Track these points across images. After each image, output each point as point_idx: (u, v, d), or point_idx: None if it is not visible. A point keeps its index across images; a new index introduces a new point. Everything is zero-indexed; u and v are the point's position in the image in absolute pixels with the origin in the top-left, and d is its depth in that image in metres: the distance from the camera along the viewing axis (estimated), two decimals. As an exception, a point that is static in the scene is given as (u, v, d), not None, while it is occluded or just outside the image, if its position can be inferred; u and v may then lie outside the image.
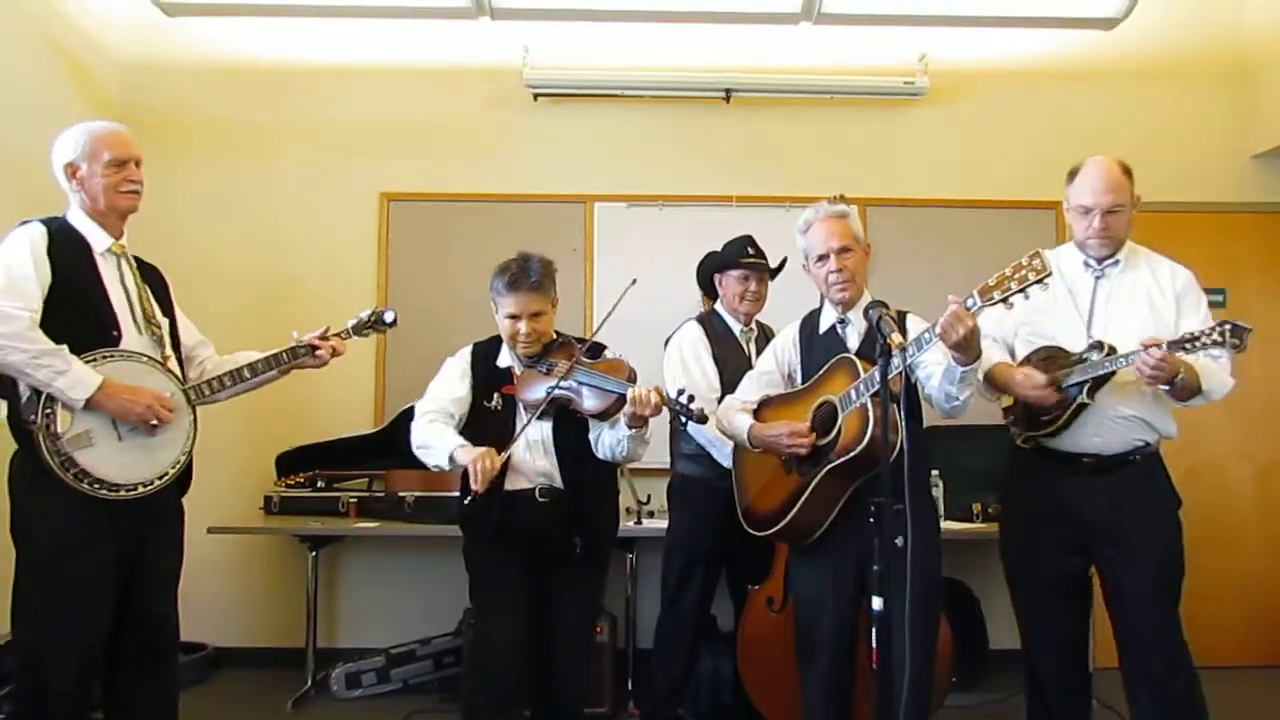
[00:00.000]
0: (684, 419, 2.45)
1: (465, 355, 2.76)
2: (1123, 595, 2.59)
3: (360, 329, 2.86)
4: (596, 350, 2.69)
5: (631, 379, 2.52)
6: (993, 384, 2.67)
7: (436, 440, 2.56)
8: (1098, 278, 2.66)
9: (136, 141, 2.59)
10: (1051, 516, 2.64)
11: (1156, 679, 2.54)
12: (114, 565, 2.41)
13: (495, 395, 2.67)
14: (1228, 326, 2.28)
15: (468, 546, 2.73)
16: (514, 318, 2.61)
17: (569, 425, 2.63)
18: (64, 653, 2.34)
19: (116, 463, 2.39)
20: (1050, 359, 2.59)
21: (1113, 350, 2.47)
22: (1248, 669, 4.20)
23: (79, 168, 2.50)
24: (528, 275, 2.60)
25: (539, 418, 2.58)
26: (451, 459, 2.50)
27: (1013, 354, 2.72)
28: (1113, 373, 2.46)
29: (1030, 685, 2.80)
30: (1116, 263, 2.65)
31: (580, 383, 2.55)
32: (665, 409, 2.46)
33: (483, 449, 2.46)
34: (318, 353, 2.74)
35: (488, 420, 2.64)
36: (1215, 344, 2.30)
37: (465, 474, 2.48)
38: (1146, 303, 2.60)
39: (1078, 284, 2.67)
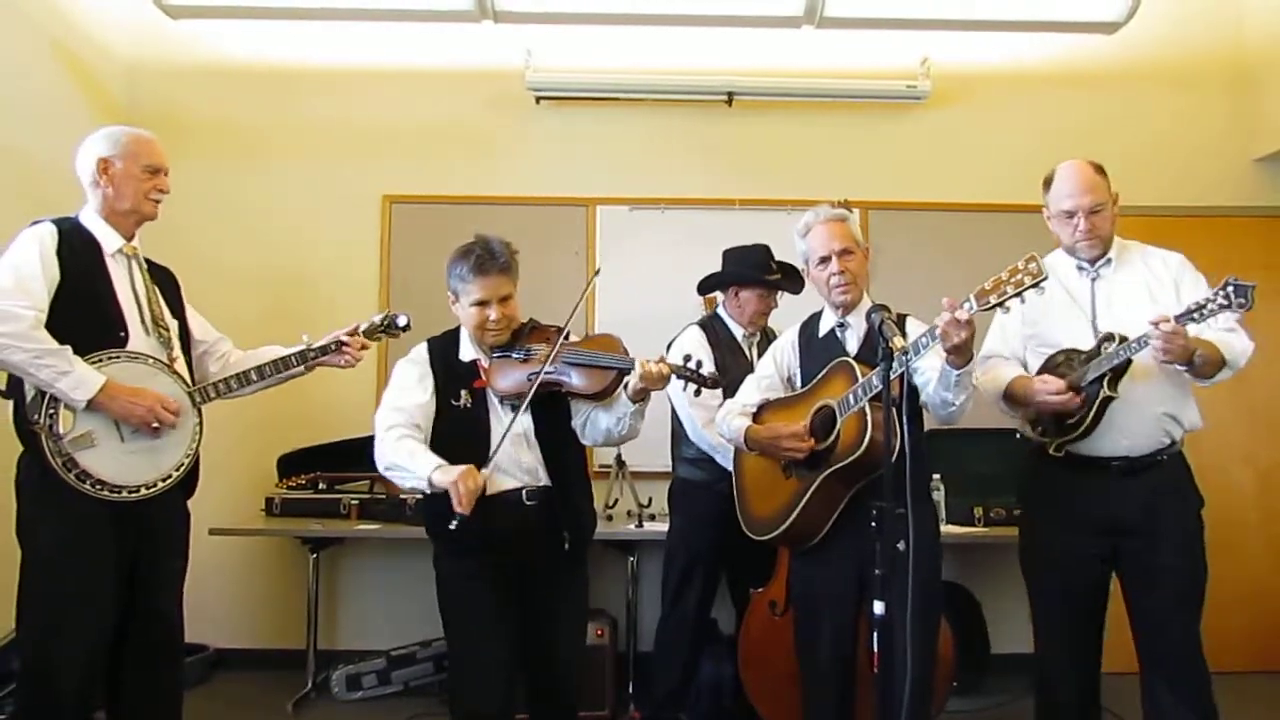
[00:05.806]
0: (697, 385, 2.35)
1: (420, 355, 2.52)
2: (1149, 600, 2.53)
3: (372, 333, 2.82)
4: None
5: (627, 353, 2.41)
6: (1014, 399, 2.63)
7: (409, 461, 2.32)
8: (1093, 279, 2.63)
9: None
10: (1080, 525, 2.57)
11: (1180, 685, 2.49)
12: (117, 567, 2.42)
13: (462, 392, 2.46)
14: (1231, 287, 2.21)
15: (440, 559, 2.52)
16: (483, 304, 2.43)
17: (550, 413, 2.47)
18: (68, 653, 2.35)
19: (119, 464, 2.39)
20: (1066, 362, 2.56)
21: (1124, 339, 2.42)
22: (1250, 674, 4.18)
23: (113, 164, 2.49)
24: (495, 257, 2.43)
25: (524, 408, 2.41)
26: (430, 483, 2.27)
27: (1026, 368, 2.69)
28: (1128, 361, 2.41)
29: (1041, 691, 2.74)
30: (1108, 261, 2.63)
31: (570, 363, 2.40)
32: (675, 378, 2.34)
33: (463, 468, 2.25)
34: (345, 349, 2.72)
35: (458, 420, 2.45)
36: (1222, 307, 2.22)
37: (443, 495, 2.26)
38: (1147, 295, 2.56)
39: (1075, 288, 2.65)
